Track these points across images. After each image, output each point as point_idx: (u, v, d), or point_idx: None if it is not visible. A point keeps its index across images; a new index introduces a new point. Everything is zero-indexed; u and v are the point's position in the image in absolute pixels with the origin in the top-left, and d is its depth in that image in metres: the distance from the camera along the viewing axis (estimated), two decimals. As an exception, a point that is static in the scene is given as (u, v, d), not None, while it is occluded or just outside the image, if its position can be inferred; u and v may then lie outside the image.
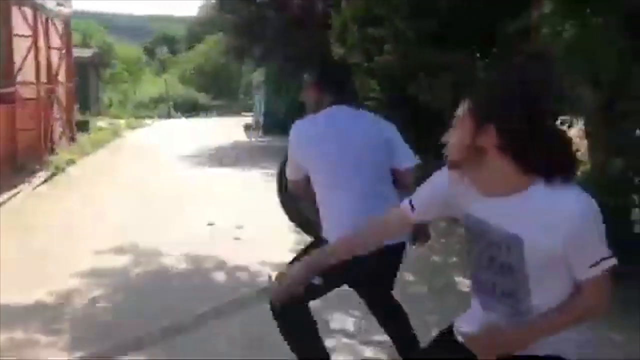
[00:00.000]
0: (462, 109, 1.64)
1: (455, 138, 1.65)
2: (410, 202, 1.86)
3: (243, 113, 30.74)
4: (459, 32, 7.55)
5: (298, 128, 2.80)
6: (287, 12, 12.43)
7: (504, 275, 1.66)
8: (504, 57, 7.54)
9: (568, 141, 1.64)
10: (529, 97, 1.56)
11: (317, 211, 2.77)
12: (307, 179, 2.77)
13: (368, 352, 3.67)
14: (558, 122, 7.72)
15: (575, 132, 7.31)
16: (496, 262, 1.67)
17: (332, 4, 11.66)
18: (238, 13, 14.02)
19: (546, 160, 1.56)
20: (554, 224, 1.53)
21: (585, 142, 6.05)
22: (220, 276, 5.12)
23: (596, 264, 1.56)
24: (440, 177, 1.78)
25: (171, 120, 28.82)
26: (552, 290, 1.63)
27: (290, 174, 2.84)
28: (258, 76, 20.25)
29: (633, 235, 4.68)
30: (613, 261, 1.58)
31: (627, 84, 5.43)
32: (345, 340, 3.82)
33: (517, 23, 7.67)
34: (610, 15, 5.48)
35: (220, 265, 5.33)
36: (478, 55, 7.44)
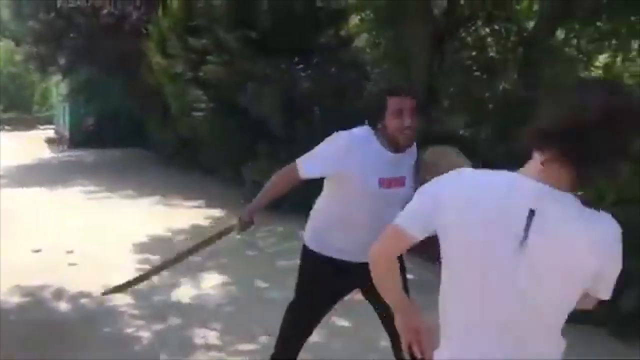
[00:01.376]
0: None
1: None
2: None
3: (40, 126, 28.33)
4: (279, 42, 7.85)
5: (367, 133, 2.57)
6: (97, 19, 11.77)
7: None
8: (324, 66, 8.01)
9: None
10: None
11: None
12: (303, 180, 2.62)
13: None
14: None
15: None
16: None
17: (146, 12, 11.33)
18: (38, 19, 12.92)
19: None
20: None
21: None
22: (62, 305, 4.76)
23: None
24: None
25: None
26: None
27: (309, 167, 2.57)
28: (61, 86, 18.81)
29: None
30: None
31: (436, 90, 6.13)
32: (212, 353, 3.83)
33: (333, 34, 8.20)
34: (419, 29, 6.15)
35: (60, 293, 4.96)
36: (301, 66, 7.78)
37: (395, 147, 2.50)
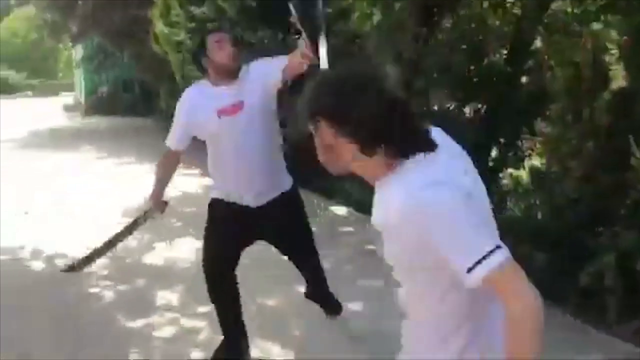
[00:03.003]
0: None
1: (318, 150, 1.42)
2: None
3: (63, 93, 28.71)
4: (278, 12, 7.78)
5: None
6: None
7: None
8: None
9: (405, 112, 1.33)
10: (333, 83, 1.35)
11: None
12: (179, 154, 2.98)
13: (190, 323, 3.77)
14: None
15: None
16: None
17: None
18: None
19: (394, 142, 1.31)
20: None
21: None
22: (36, 264, 4.91)
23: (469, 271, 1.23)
24: None
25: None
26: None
27: (170, 140, 2.92)
28: (78, 53, 19.00)
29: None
30: (482, 272, 1.22)
31: (422, 63, 6.04)
32: (169, 314, 3.91)
33: (332, 6, 8.09)
34: (409, 2, 6.04)
35: (37, 254, 5.10)
36: (297, 37, 7.70)
37: (224, 74, 2.75)
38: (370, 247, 5.41)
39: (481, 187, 1.38)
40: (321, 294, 3.24)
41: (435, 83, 5.73)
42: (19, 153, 10.79)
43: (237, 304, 3.03)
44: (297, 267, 3.21)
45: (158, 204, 2.98)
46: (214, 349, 3.33)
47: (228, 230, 2.92)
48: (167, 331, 3.63)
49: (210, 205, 3.00)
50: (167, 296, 4.19)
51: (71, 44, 16.12)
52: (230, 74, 2.75)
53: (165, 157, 2.96)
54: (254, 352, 3.12)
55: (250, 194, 2.84)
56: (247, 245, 3.02)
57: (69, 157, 10.48)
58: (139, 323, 3.78)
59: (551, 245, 4.10)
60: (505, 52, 5.89)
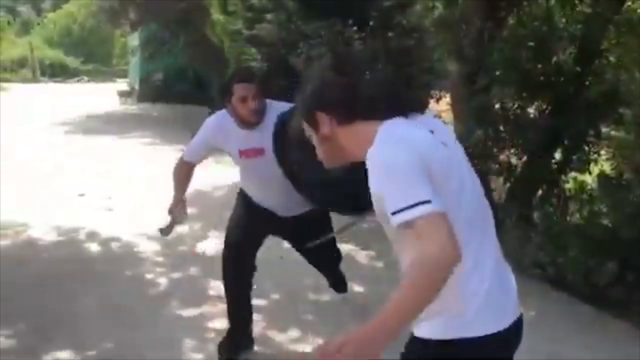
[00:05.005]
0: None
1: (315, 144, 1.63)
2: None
3: (117, 79, 29.34)
4: (336, 3, 7.71)
5: None
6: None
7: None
8: (380, 30, 7.81)
9: (391, 85, 1.60)
10: (331, 76, 1.55)
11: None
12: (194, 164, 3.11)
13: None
14: (429, 96, 8.22)
15: (444, 104, 7.78)
16: None
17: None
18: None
19: (373, 106, 1.51)
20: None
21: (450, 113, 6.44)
22: (92, 247, 4.95)
23: (393, 214, 1.36)
24: None
25: (37, 85, 26.83)
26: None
27: (187, 153, 3.06)
28: (133, 40, 19.33)
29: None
30: (403, 216, 1.34)
31: (486, 59, 5.85)
32: (222, 305, 3.87)
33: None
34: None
35: (92, 236, 5.16)
36: (355, 28, 7.61)
37: (246, 125, 2.84)
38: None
39: (457, 164, 1.53)
40: (335, 281, 3.60)
41: (499, 80, 5.52)
42: (78, 137, 11.04)
43: (248, 291, 3.17)
44: (318, 269, 3.53)
45: (175, 211, 3.06)
46: (268, 343, 3.29)
47: (254, 221, 3.06)
48: (221, 322, 3.58)
49: (239, 193, 3.15)
50: (219, 287, 4.15)
51: (129, 30, 16.35)
52: (253, 125, 2.85)
53: (180, 165, 3.05)
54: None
55: (277, 210, 3.02)
56: (271, 235, 3.20)
57: (124, 142, 10.65)
58: (192, 312, 3.76)
59: (622, 254, 3.90)
60: (573, 50, 5.63)
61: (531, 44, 5.47)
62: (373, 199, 1.47)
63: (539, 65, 5.45)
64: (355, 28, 7.71)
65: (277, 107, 2.85)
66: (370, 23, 7.76)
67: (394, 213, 1.34)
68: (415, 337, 1.51)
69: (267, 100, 2.89)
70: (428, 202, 1.33)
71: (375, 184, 1.43)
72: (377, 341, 1.29)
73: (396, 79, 1.75)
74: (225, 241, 3.13)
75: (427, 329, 1.47)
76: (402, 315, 1.30)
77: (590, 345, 3.41)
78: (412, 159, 1.38)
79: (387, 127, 1.48)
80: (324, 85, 1.56)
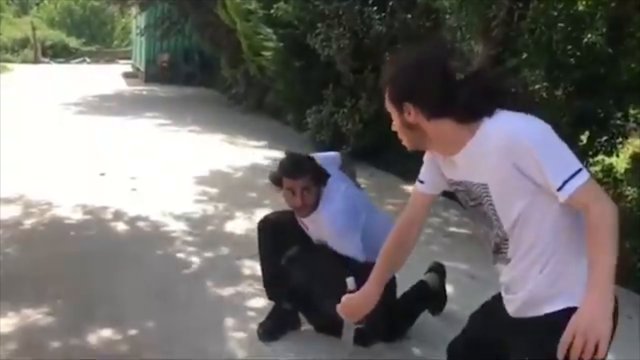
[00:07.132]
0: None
1: (395, 127, 1.74)
2: (419, 179, 1.93)
3: (119, 60, 29.08)
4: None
5: None
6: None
7: (492, 226, 1.68)
8: (400, 11, 7.71)
9: (480, 78, 1.77)
10: (428, 69, 1.65)
11: None
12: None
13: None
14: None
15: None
16: (487, 217, 1.68)
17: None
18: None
19: (470, 107, 1.61)
20: (492, 154, 1.56)
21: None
22: (120, 226, 4.91)
23: (561, 188, 1.50)
24: (429, 152, 1.85)
25: (40, 66, 26.60)
26: (528, 232, 1.61)
27: None
28: (139, 21, 19.13)
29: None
30: (581, 179, 1.49)
31: (515, 40, 5.78)
32: (257, 285, 3.85)
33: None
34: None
35: (119, 215, 5.12)
36: (375, 8, 7.50)
37: (302, 214, 2.94)
38: (452, 229, 5.26)
39: None
40: None
41: (528, 62, 5.46)
42: (91, 117, 10.94)
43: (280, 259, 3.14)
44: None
45: None
46: (306, 323, 3.25)
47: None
48: (258, 302, 3.56)
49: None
50: (253, 266, 4.12)
51: (139, 10, 16.15)
52: (305, 214, 2.92)
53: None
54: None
55: None
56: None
57: (138, 122, 10.57)
58: (228, 291, 3.74)
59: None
60: (604, 31, 5.56)
61: (561, 24, 5.41)
62: (497, 177, 1.58)
63: (569, 47, 5.40)
64: (374, 8, 7.61)
65: (331, 198, 2.85)
66: (391, 3, 7.65)
67: (565, 180, 1.49)
68: (552, 312, 1.60)
69: (323, 188, 2.87)
70: (582, 168, 1.53)
71: (525, 159, 1.52)
72: (609, 312, 1.46)
73: (495, 81, 1.84)
74: (264, 217, 3.31)
75: (568, 298, 1.58)
76: (611, 273, 1.47)
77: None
78: (551, 131, 1.57)
79: (506, 114, 1.62)
80: (422, 82, 1.63)
